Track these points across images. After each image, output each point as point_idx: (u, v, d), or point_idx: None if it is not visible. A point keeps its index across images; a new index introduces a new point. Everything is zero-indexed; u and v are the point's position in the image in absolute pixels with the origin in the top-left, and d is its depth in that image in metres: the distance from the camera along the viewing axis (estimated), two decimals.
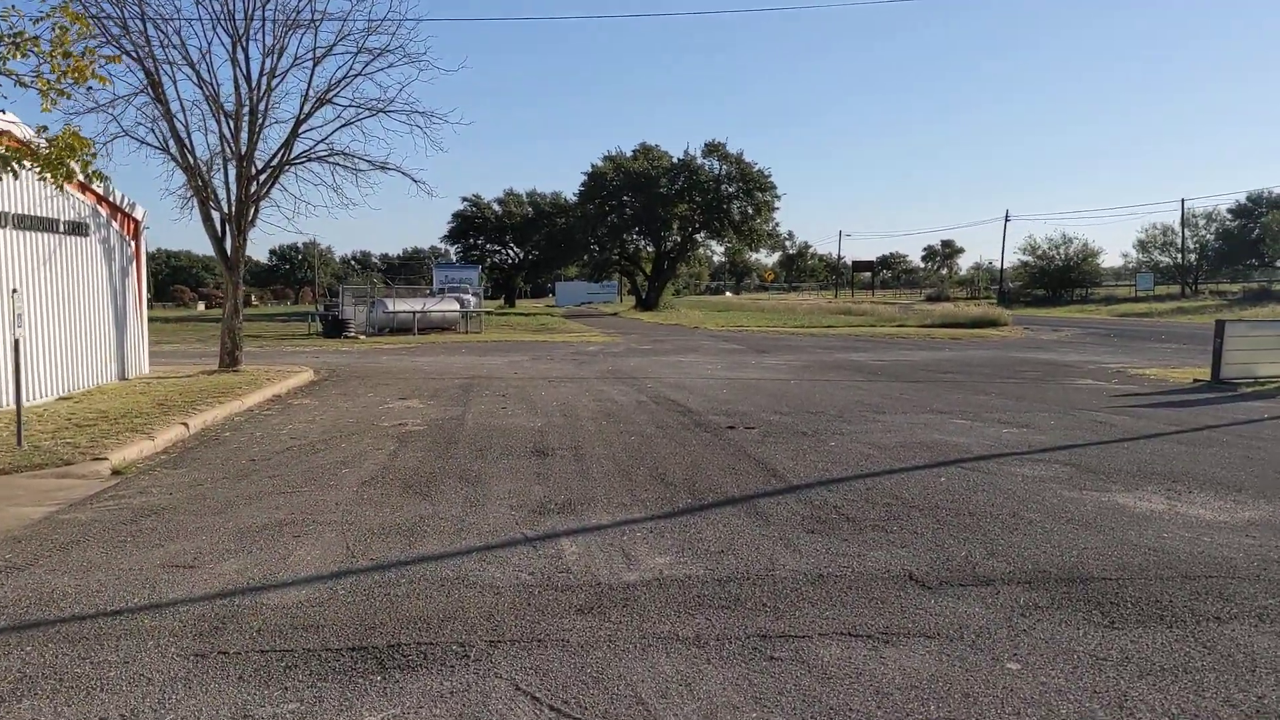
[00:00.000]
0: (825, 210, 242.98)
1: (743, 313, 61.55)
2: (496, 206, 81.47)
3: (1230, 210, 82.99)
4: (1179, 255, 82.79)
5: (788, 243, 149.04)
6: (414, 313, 36.00)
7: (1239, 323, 18.11)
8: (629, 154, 66.35)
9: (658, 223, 64.82)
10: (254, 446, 10.69)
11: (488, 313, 51.20)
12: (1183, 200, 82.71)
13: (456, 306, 38.46)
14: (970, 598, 5.28)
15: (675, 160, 65.79)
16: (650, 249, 71.01)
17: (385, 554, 6.31)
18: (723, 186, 65.14)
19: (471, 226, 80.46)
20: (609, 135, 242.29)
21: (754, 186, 64.89)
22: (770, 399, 15.08)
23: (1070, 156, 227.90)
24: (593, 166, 65.91)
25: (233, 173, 19.13)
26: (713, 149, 64.76)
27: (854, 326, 43.57)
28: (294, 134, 19.46)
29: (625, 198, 65.46)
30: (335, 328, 34.24)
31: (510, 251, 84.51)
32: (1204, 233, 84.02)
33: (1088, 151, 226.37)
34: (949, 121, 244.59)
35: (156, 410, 12.78)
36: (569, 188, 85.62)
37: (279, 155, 19.38)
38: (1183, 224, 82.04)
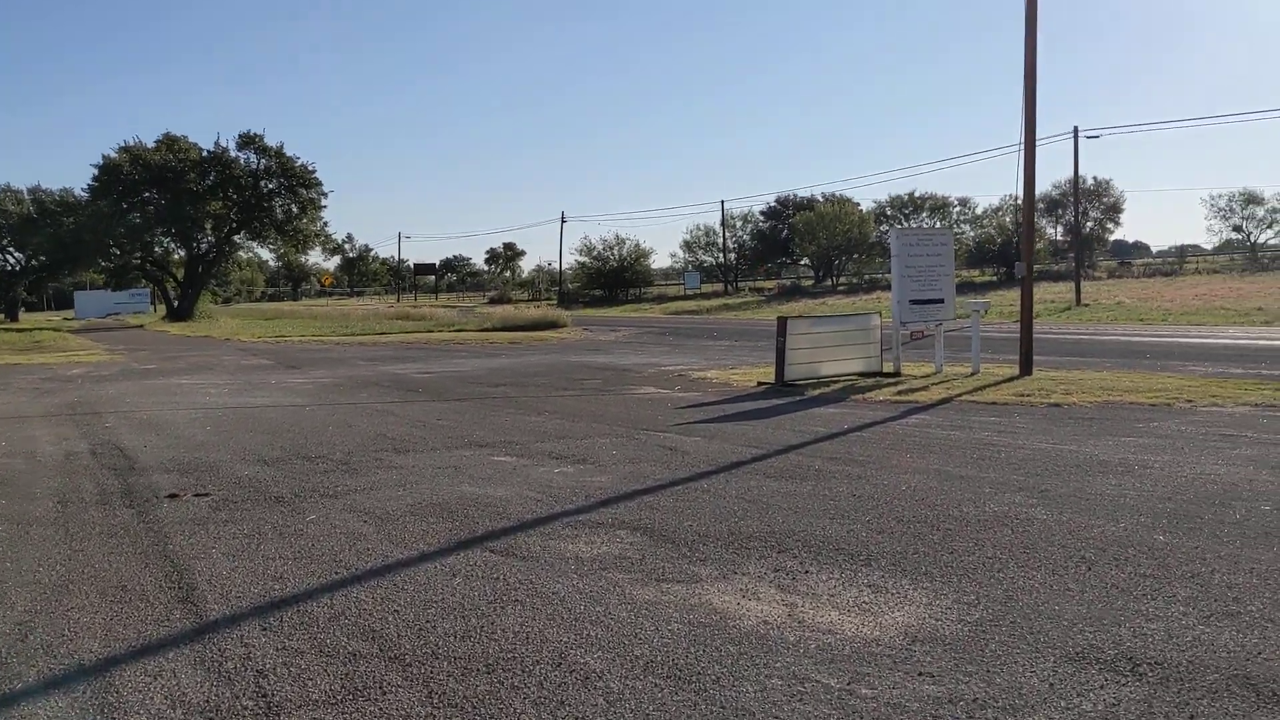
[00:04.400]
0: (386, 212, 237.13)
1: (293, 320, 56.01)
2: None
3: (763, 212, 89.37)
4: (720, 255, 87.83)
5: (347, 245, 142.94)
6: None
7: (800, 320, 17.00)
8: (150, 145, 58.20)
9: (188, 223, 57.41)
10: None
11: None
12: (722, 202, 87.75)
13: None
14: None
15: (206, 153, 58.66)
16: (182, 253, 63.13)
17: None
18: (262, 183, 59.00)
19: None
20: (133, 124, 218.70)
21: (297, 183, 59.34)
22: (265, 437, 11.43)
23: (623, 158, 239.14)
24: (105, 158, 56.89)
25: None
26: (249, 141, 58.37)
27: (409, 333, 40.24)
28: None
29: (147, 194, 57.32)
30: None
31: (10, 257, 72.01)
32: (741, 233, 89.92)
33: (639, 154, 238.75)
34: (505, 119, 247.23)
35: None
36: (81, 182, 73.80)
37: None
38: (723, 225, 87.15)
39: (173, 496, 8.01)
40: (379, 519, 7.05)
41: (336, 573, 5.72)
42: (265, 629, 4.79)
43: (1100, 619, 4.63)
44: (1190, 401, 12.68)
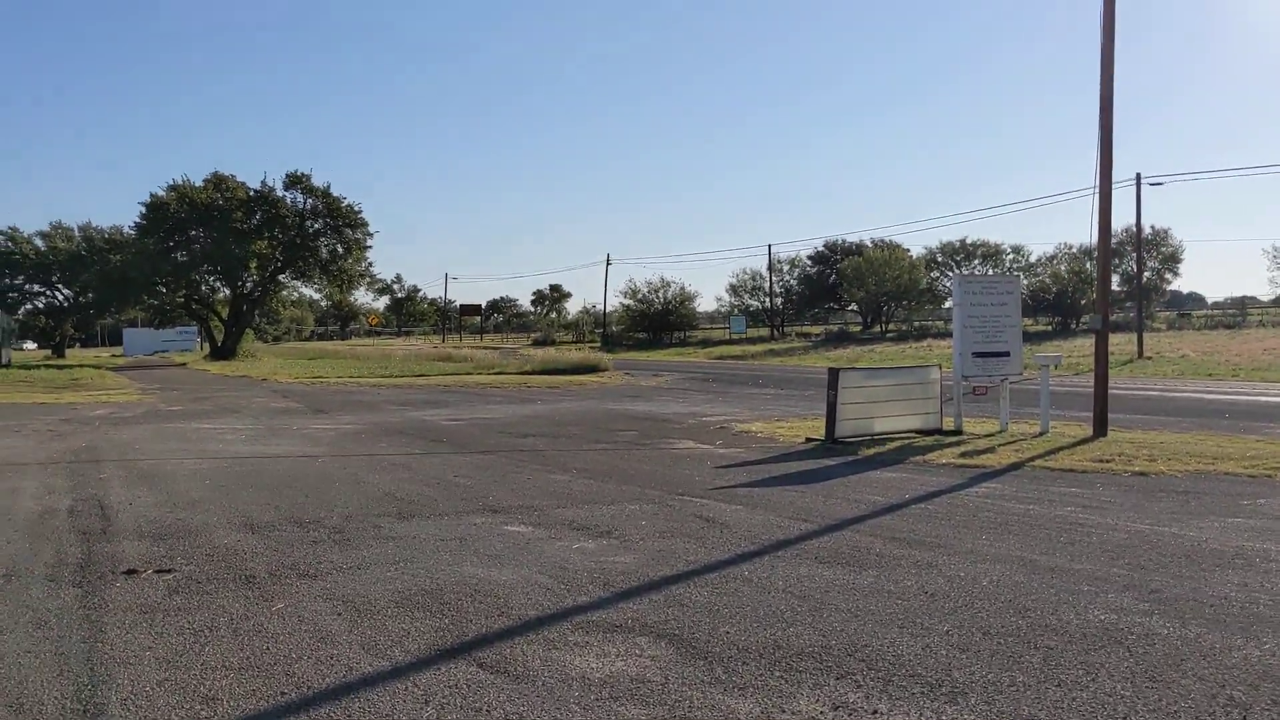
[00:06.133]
0: (434, 253, 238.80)
1: (335, 360, 55.50)
2: (39, 241, 69.49)
3: (810, 256, 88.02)
4: (767, 299, 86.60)
5: (395, 286, 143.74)
6: None
7: (854, 371, 15.76)
8: (199, 183, 58.38)
9: (233, 261, 57.35)
10: None
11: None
12: (769, 246, 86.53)
13: None
14: None
15: (253, 192, 58.73)
16: (227, 291, 63.11)
17: None
18: (308, 222, 58.93)
19: (7, 264, 67.81)
20: (182, 163, 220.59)
21: (343, 223, 59.24)
22: (264, 494, 10.41)
23: (669, 201, 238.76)
24: (152, 196, 57.16)
25: None
26: (296, 180, 58.41)
27: (448, 375, 39.41)
28: None
29: (194, 232, 57.43)
30: None
31: (59, 293, 72.58)
32: (788, 278, 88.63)
33: (685, 197, 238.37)
34: (552, 161, 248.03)
35: None
36: (132, 219, 72.94)
37: None
38: (770, 269, 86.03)
39: (130, 573, 6.95)
40: (356, 611, 5.93)
41: (284, 693, 4.60)
42: None
43: None
44: None
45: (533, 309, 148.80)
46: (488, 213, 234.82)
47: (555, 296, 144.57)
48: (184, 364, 58.08)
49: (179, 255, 57.96)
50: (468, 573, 6.86)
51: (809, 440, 14.96)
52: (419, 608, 5.99)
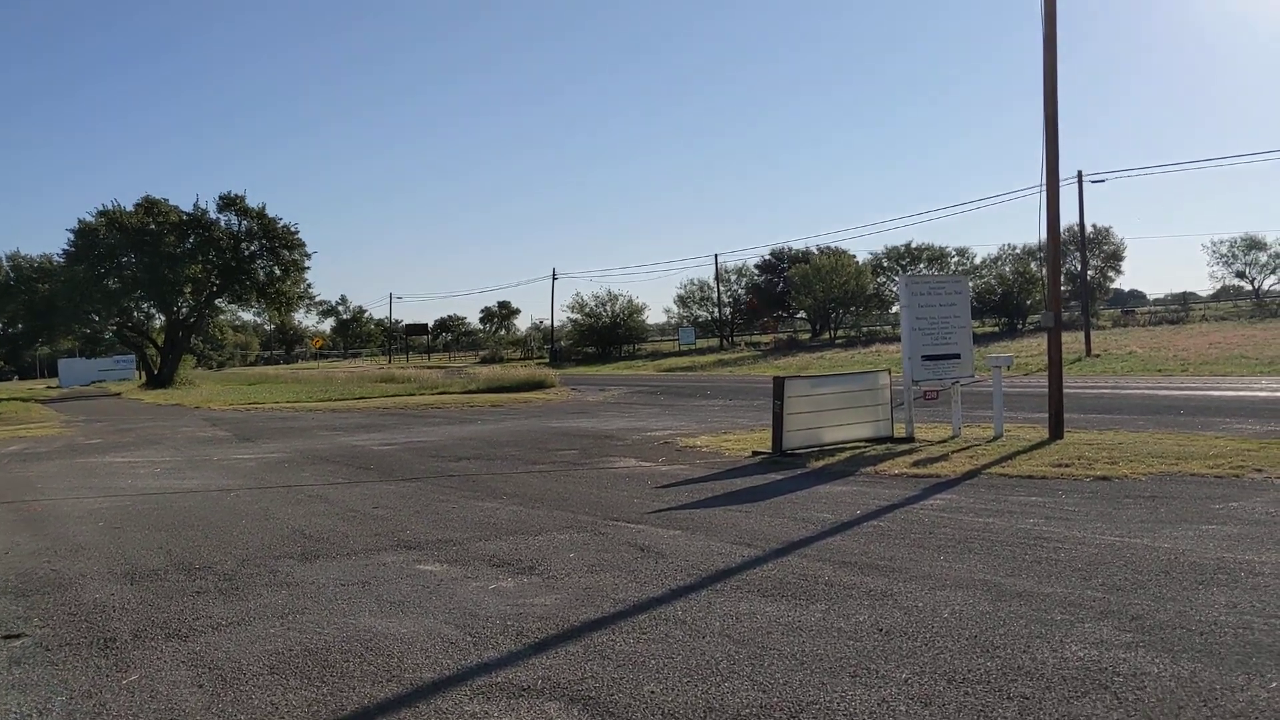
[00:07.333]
0: (380, 273, 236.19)
1: (274, 385, 54.01)
2: None
3: (757, 265, 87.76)
4: (716, 310, 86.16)
5: (340, 307, 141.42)
6: None
7: (800, 379, 15.01)
8: (129, 208, 56.56)
9: (166, 287, 55.59)
10: None
11: None
12: (716, 256, 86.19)
13: None
14: None
15: (185, 215, 57.04)
16: (162, 318, 61.29)
17: None
18: (243, 245, 57.33)
19: None
20: (115, 189, 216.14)
21: (280, 244, 57.67)
22: (160, 536, 9.48)
23: (614, 213, 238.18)
24: (80, 222, 55.20)
25: None
26: (230, 202, 56.78)
27: (390, 396, 38.28)
28: None
29: (125, 258, 55.59)
30: None
31: None
32: (736, 287, 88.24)
33: (631, 209, 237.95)
34: (495, 189, 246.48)
35: None
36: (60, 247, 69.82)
37: None
38: (717, 279, 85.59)
39: None
40: (222, 681, 5.07)
41: None
42: None
43: None
44: (1260, 471, 10.76)
45: (481, 326, 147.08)
46: (433, 230, 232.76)
47: (503, 314, 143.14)
48: (118, 394, 56.25)
49: (110, 282, 56.03)
50: (363, 625, 6.02)
51: (756, 454, 14.25)
52: (296, 673, 5.14)
